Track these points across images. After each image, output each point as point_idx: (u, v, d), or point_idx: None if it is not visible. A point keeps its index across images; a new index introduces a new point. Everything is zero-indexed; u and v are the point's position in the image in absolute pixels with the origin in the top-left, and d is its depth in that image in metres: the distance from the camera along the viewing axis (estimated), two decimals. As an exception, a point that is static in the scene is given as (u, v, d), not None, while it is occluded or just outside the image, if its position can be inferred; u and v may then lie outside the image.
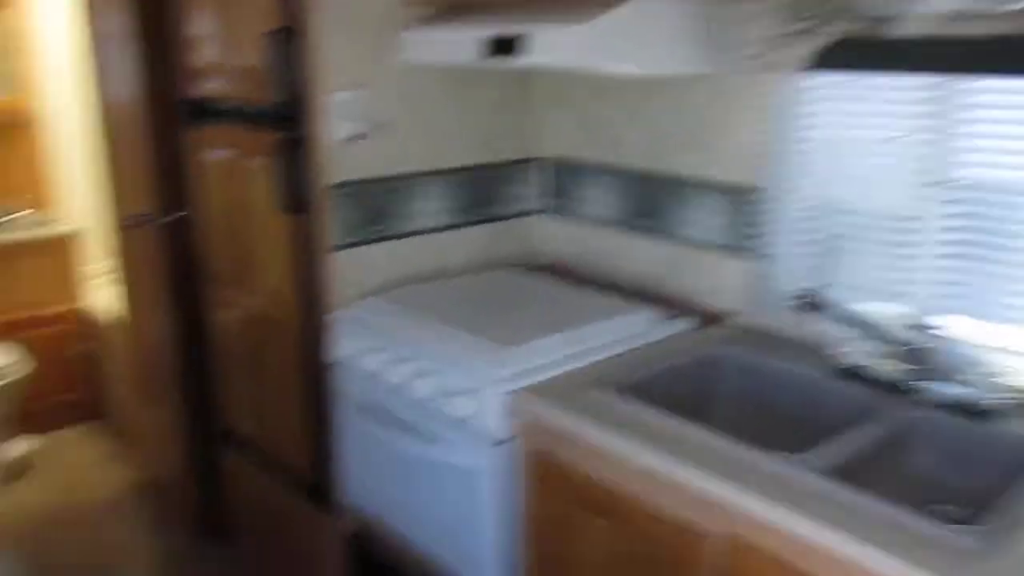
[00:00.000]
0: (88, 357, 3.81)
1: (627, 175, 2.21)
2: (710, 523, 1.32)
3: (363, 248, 2.11)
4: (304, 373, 2.20)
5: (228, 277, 2.51)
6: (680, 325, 1.95)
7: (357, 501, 2.10)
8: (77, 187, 3.87)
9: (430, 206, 2.21)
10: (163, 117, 2.60)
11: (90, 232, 3.79)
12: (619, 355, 1.78)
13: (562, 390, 1.61)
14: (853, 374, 1.63)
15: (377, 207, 2.11)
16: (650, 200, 2.17)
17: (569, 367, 1.71)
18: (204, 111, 2.42)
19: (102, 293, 3.70)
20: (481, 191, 2.32)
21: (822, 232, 1.82)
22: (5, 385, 3.23)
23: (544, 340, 1.74)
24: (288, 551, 2.50)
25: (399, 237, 2.17)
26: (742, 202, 1.96)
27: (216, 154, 2.39)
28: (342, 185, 2.04)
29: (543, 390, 1.61)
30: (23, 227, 3.70)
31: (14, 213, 3.76)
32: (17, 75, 3.71)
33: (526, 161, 2.40)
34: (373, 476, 2.01)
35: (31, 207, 3.86)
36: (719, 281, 2.04)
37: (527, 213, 2.44)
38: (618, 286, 2.22)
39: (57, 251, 3.71)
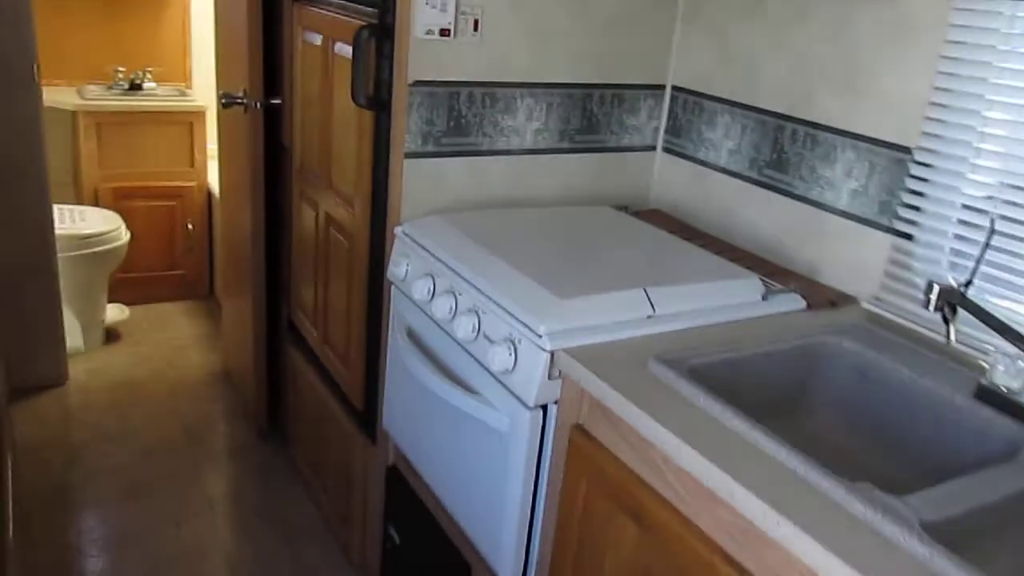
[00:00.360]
0: (199, 234, 3.81)
1: (760, 116, 1.85)
2: (758, 564, 1.03)
3: (440, 160, 1.87)
4: (364, 287, 2.01)
5: (310, 172, 2.33)
6: (792, 302, 1.61)
7: (394, 432, 1.92)
8: (208, 63, 3.82)
9: (524, 124, 1.93)
10: (270, -7, 2.43)
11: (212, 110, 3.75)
12: (706, 327, 1.48)
13: (618, 360, 1.32)
14: (999, 398, 1.26)
15: (462, 116, 1.86)
16: (783, 149, 1.80)
17: (637, 332, 1.42)
18: (309, -11, 2.22)
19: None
20: (587, 115, 2.01)
21: (991, 217, 1.42)
22: (103, 252, 3.25)
23: (614, 295, 1.45)
24: (333, 464, 2.38)
25: (483, 154, 1.91)
26: (895, 166, 1.58)
27: (310, 38, 2.19)
28: (425, 85, 1.79)
29: (593, 356, 1.33)
30: (158, 97, 3.69)
31: (152, 81, 3.76)
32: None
33: (644, 87, 2.07)
34: (408, 411, 1.81)
35: (171, 79, 3.85)
36: (850, 257, 1.68)
37: (638, 148, 2.12)
38: (728, 245, 1.89)
39: (184, 125, 3.68)
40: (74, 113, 3.46)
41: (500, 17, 1.82)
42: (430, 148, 1.84)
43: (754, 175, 1.88)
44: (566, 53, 1.93)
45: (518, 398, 1.40)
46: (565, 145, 2.01)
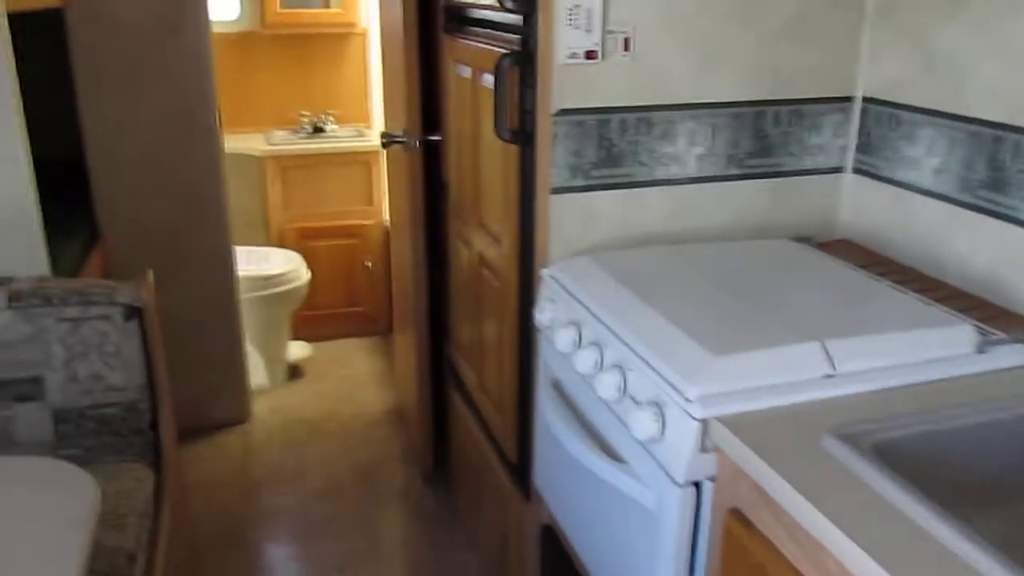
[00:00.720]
0: (377, 271, 3.86)
1: (971, 128, 1.54)
2: None
3: (591, 194, 1.70)
4: (515, 332, 1.88)
5: (463, 210, 2.25)
6: (1015, 355, 1.30)
7: (544, 491, 1.76)
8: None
9: (685, 150, 1.73)
10: (426, 28, 2.38)
11: (388, 150, 3.80)
12: (900, 389, 1.21)
13: (784, 432, 1.10)
14: None
15: (614, 145, 1.68)
16: (1002, 166, 1.49)
17: (812, 396, 1.18)
18: (462, 18, 2.14)
19: (391, 212, 3.70)
20: (760, 135, 1.78)
21: None
22: (285, 291, 3.34)
23: (782, 350, 1.22)
24: (491, 516, 2.25)
25: (639, 185, 1.73)
26: None
27: (460, 70, 2.11)
28: (571, 113, 1.64)
29: (754, 426, 1.11)
30: (338, 138, 3.80)
31: (334, 123, 3.88)
32: (345, -12, 3.77)
33: (828, 100, 1.80)
34: (555, 470, 1.65)
35: (352, 120, 3.97)
36: (1094, 299, 1.34)
37: (822, 170, 1.85)
38: (932, 282, 1.59)
39: (363, 165, 3.75)
40: (261, 159, 3.62)
41: (654, 33, 1.63)
42: (579, 182, 1.68)
43: (966, 197, 1.57)
44: (733, 68, 1.71)
45: (666, 472, 1.20)
46: (734, 171, 1.78)
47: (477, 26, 2.00)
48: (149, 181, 2.80)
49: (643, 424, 1.20)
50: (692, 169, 1.75)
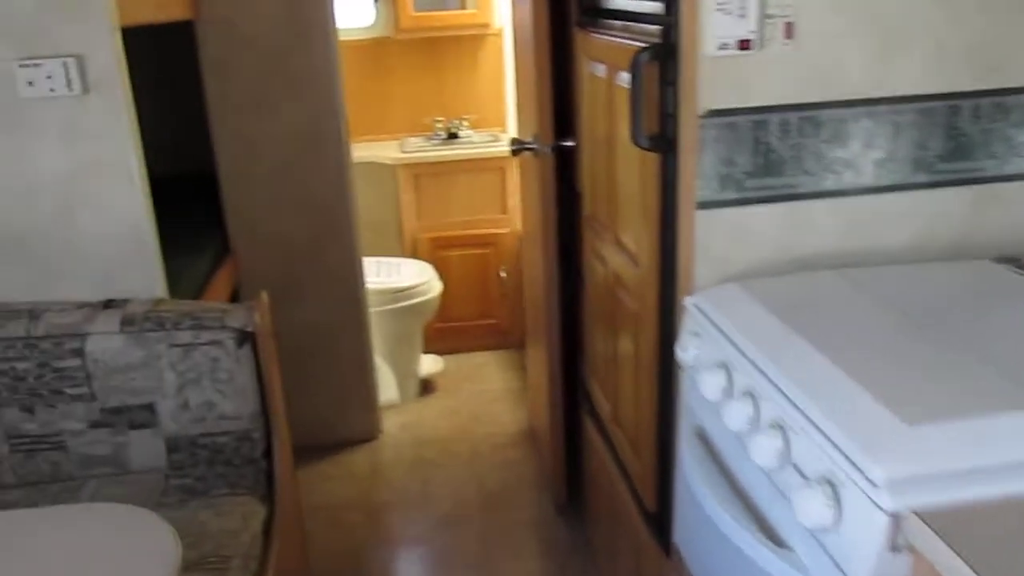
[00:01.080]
0: (511, 282, 3.70)
1: None
2: None
3: (744, 209, 1.45)
4: (654, 366, 1.65)
5: (597, 223, 2.03)
6: None
7: (685, 552, 1.52)
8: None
9: (860, 154, 1.44)
10: (559, 26, 2.18)
11: (523, 155, 3.63)
12: None
13: (1007, 533, 0.82)
14: None
15: (773, 151, 1.42)
16: None
17: (1044, 479, 0.89)
18: (595, 10, 1.93)
19: (526, 220, 3.53)
20: (953, 135, 1.46)
21: None
22: (416, 304, 3.23)
23: (1001, 419, 0.94)
24: (626, 562, 2.02)
25: (803, 197, 1.45)
26: None
27: (595, 68, 1.89)
28: (721, 114, 1.39)
29: (964, 523, 0.84)
30: (471, 144, 3.66)
31: (469, 128, 3.75)
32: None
33: (1047, 88, 1.46)
34: (698, 532, 1.40)
35: (488, 125, 3.83)
36: None
37: (1036, 174, 1.51)
38: None
39: (496, 171, 3.60)
40: (394, 167, 3.53)
41: (822, 15, 1.36)
42: (730, 195, 1.43)
43: None
44: (921, 52, 1.41)
45: (842, 571, 0.94)
46: (922, 178, 1.48)
47: (613, 18, 1.78)
48: (278, 194, 2.75)
49: (811, 508, 0.95)
50: (869, 177, 1.46)
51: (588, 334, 2.25)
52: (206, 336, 1.75)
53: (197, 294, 2.32)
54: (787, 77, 1.39)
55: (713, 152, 1.40)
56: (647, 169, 1.57)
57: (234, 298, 2.78)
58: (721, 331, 1.29)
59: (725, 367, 1.25)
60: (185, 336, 1.75)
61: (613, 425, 2.01)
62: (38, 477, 1.79)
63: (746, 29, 1.34)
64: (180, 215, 2.90)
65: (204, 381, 1.77)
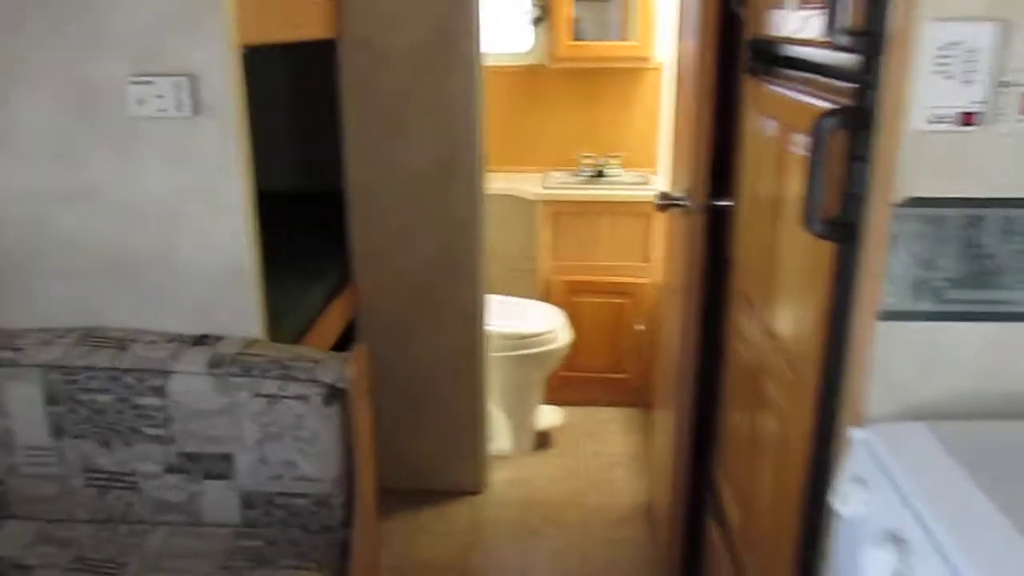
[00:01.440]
0: (647, 337, 3.41)
1: None
2: None
3: (942, 325, 1.13)
4: (796, 501, 1.34)
5: (746, 303, 1.73)
6: None
7: None
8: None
9: (1113, 268, 1.10)
10: (728, 67, 1.91)
11: (674, 201, 3.34)
12: None
13: None
14: None
15: (988, 256, 1.10)
16: None
17: None
18: (771, 57, 1.64)
19: (669, 272, 3.23)
20: None
21: None
22: (541, 353, 3.00)
23: None
24: None
25: (1021, 318, 1.12)
26: None
27: (763, 125, 1.61)
28: (925, 204, 1.08)
29: None
30: (618, 185, 3.42)
31: (618, 167, 3.51)
32: (642, 22, 3.39)
33: None
34: None
35: (638, 164, 3.58)
36: None
37: None
38: None
39: (642, 216, 3.33)
40: (534, 202, 3.33)
41: (1079, 88, 1.03)
42: (925, 305, 1.12)
43: None
44: None
45: None
46: None
47: (792, 67, 1.50)
48: (405, 222, 2.60)
49: None
50: (1119, 298, 1.11)
51: (723, 417, 1.96)
52: (293, 389, 1.59)
53: (309, 324, 2.19)
54: (1020, 164, 1.07)
55: (907, 250, 1.10)
56: (818, 258, 1.27)
57: (349, 330, 2.65)
58: (898, 489, 0.99)
59: (899, 541, 0.94)
60: (271, 386, 1.60)
61: (742, 543, 1.70)
62: (109, 515, 1.68)
63: (971, 99, 1.03)
64: (307, 233, 2.82)
65: (286, 437, 1.61)
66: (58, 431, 1.63)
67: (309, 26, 2.21)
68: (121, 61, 1.55)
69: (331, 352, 1.69)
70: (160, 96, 1.55)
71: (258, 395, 1.59)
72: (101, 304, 1.72)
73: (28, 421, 1.63)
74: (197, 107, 1.57)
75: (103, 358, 1.62)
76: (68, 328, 1.71)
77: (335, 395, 1.60)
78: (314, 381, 1.60)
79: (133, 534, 1.65)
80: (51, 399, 1.61)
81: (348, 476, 1.66)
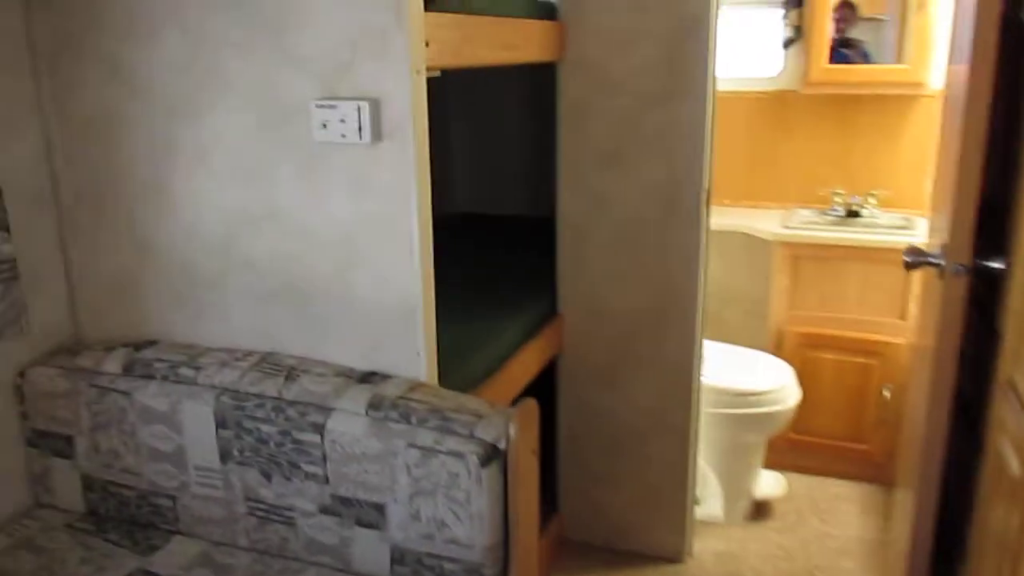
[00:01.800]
0: (896, 405, 2.94)
1: None
2: None
3: None
4: None
5: (1016, 391, 1.34)
6: None
7: None
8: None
9: None
10: (1007, 96, 1.53)
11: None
12: None
13: None
14: None
15: None
16: None
17: None
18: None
19: (928, 333, 2.75)
20: None
21: None
22: (765, 413, 2.66)
23: None
24: None
25: None
26: None
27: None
28: None
29: None
30: (873, 228, 3.00)
31: (875, 207, 3.09)
32: (917, 43, 2.95)
33: None
34: None
35: (901, 204, 3.13)
36: None
37: None
38: None
39: (898, 264, 2.87)
40: (771, 243, 2.99)
41: None
42: None
43: None
44: None
45: None
46: None
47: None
48: (616, 258, 2.41)
49: None
50: None
51: (976, 513, 1.56)
52: (449, 443, 1.45)
53: (504, 358, 2.07)
54: None
55: None
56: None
57: (550, 369, 2.49)
58: None
59: None
60: (427, 437, 1.47)
61: None
62: (266, 547, 1.64)
63: None
64: (518, 260, 2.72)
65: (438, 495, 1.47)
66: (225, 455, 1.61)
67: (524, 48, 2.10)
68: (308, 82, 1.50)
69: (497, 406, 1.53)
70: (342, 121, 1.48)
71: (413, 446, 1.47)
72: (279, 330, 1.69)
73: (200, 441, 1.63)
74: (378, 134, 1.48)
75: (271, 387, 1.58)
76: (248, 351, 1.70)
77: (493, 456, 1.44)
78: (471, 437, 1.45)
79: (287, 571, 1.59)
80: (221, 423, 1.60)
81: (504, 544, 1.49)
